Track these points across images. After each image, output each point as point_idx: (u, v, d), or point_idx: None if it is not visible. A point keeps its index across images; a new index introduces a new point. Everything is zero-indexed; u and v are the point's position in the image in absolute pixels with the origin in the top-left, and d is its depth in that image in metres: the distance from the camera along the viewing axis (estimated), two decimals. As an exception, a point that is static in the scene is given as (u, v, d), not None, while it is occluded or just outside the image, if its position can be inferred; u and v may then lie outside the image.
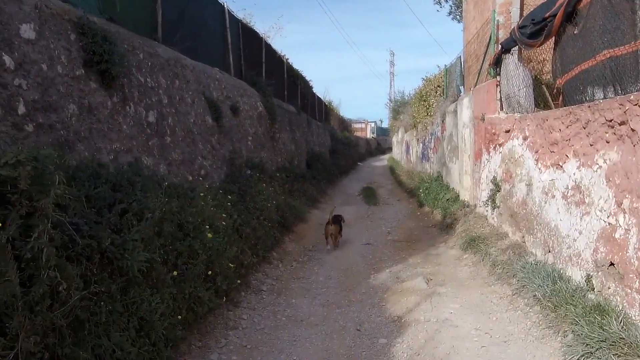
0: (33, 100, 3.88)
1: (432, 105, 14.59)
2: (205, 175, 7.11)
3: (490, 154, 7.82)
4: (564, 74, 5.48)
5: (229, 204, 6.10)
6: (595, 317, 3.49)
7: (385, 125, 56.70)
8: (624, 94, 3.84)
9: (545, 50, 7.22)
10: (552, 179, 5.15)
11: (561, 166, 4.93)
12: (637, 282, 3.43)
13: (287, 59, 17.28)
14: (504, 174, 7.02)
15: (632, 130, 3.57)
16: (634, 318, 3.41)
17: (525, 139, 6.18)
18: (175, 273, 3.86)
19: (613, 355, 3.14)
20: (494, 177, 7.53)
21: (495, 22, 8.39)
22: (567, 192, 4.75)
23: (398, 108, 31.24)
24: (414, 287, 5.71)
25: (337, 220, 8.02)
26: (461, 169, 10.12)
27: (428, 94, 15.15)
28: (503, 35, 8.26)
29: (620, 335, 3.22)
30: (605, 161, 4.04)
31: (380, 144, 52.54)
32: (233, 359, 4.04)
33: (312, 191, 12.92)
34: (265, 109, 11.60)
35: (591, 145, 4.32)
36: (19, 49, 3.82)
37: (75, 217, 3.06)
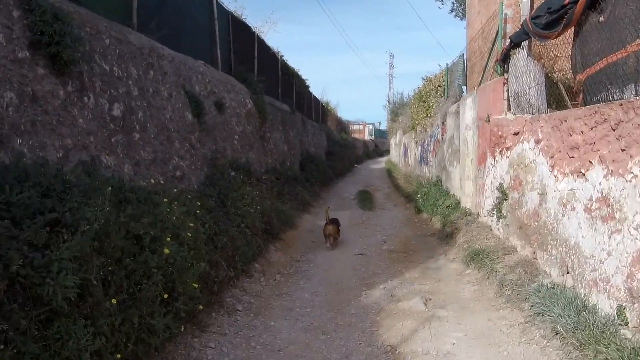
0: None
1: (432, 106, 13.91)
2: (181, 176, 6.41)
3: (496, 158, 7.14)
4: (586, 69, 4.80)
5: (200, 210, 5.39)
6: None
7: (383, 127, 56.13)
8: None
9: (558, 46, 6.55)
10: (572, 189, 4.47)
11: (583, 174, 4.26)
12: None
13: (281, 56, 16.61)
14: (512, 181, 6.34)
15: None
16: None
17: (537, 142, 5.50)
18: (115, 300, 3.15)
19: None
20: (500, 184, 6.85)
21: (503, 16, 7.72)
22: (591, 205, 4.07)
23: (396, 110, 30.65)
24: (410, 308, 5.02)
25: (335, 221, 8.41)
26: (463, 173, 9.44)
27: (428, 94, 14.46)
28: (511, 29, 7.58)
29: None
30: (642, 170, 3.36)
31: (378, 146, 51.89)
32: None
33: (304, 195, 12.22)
34: (255, 107, 10.90)
35: (623, 150, 3.64)
36: None
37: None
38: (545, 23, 5.33)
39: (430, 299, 5.24)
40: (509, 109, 7.14)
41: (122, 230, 3.59)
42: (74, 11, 4.78)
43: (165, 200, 4.39)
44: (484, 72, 8.85)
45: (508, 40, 7.01)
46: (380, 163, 33.74)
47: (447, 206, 9.77)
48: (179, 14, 8.26)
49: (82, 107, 4.68)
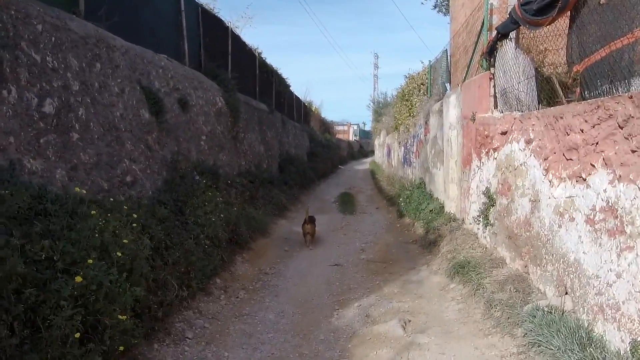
0: None
1: (415, 105, 13.33)
2: (132, 182, 5.71)
3: (482, 160, 6.56)
4: (584, 59, 4.22)
5: (150, 220, 4.71)
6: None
7: (368, 127, 55.58)
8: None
9: (549, 38, 6.00)
10: (570, 196, 3.88)
11: (584, 179, 3.67)
12: None
13: (259, 53, 15.90)
14: (500, 186, 5.75)
15: None
16: None
17: (528, 142, 4.92)
18: (9, 343, 2.46)
19: None
20: (486, 188, 6.27)
21: (489, 6, 7.16)
22: (594, 215, 3.48)
23: (380, 110, 30.09)
24: (387, 333, 4.39)
25: (312, 220, 8.61)
26: (446, 176, 8.86)
27: (411, 92, 13.89)
28: (498, 20, 7.00)
29: None
30: (661, 175, 2.77)
31: (363, 147, 51.37)
32: None
33: (280, 198, 11.55)
34: (227, 105, 10.20)
35: (634, 151, 3.06)
36: None
37: None
38: (537, 8, 4.75)
39: (409, 321, 4.62)
40: (495, 107, 6.57)
41: (28, 253, 2.90)
42: (-8, -10, 4.07)
43: (93, 212, 3.69)
44: (468, 67, 8.29)
45: (494, 32, 6.43)
46: (365, 164, 33.19)
47: (430, 210, 9.19)
48: (137, 2, 7.55)
49: (1, 102, 3.97)
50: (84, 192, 4.24)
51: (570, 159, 3.94)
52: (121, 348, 3.29)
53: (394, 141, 19.00)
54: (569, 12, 4.49)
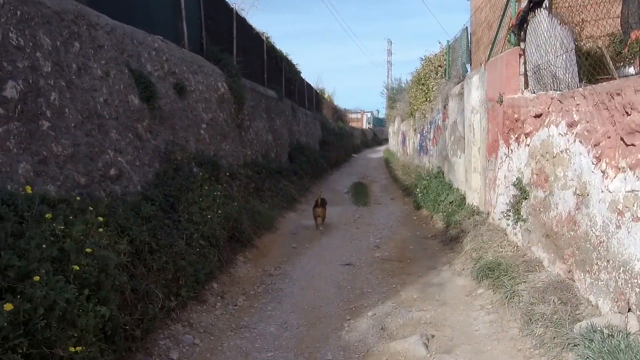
0: None
1: (432, 89, 12.51)
2: (117, 175, 5.09)
3: (511, 147, 5.82)
4: (646, 22, 3.47)
5: (131, 220, 4.09)
6: None
7: (382, 115, 54.56)
8: None
9: (587, 7, 5.26)
10: (633, 190, 3.15)
11: (653, 169, 2.94)
12: None
13: (267, 38, 15.19)
14: (535, 176, 5.02)
15: None
16: None
17: (571, 125, 4.18)
18: None
19: None
20: (517, 178, 5.53)
21: (518, -28, 6.35)
22: (670, 216, 2.76)
23: (394, 96, 29.20)
24: (407, 352, 3.72)
25: (324, 203, 8.64)
26: (468, 165, 8.11)
27: (427, 76, 13.05)
28: (528, -11, 6.22)
29: None
30: None
31: (376, 135, 50.43)
32: None
33: (290, 190, 10.91)
34: (231, 91, 9.53)
35: None
36: None
37: None
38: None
39: (432, 336, 3.94)
40: (526, 86, 5.82)
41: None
42: None
43: (48, 215, 3.06)
44: (492, 44, 7.49)
45: (526, 1, 5.66)
46: (379, 152, 32.37)
47: (450, 202, 8.46)
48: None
49: (-55, 85, 3.36)
50: (51, 189, 3.63)
51: (632, 145, 3.20)
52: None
53: (409, 128, 18.20)
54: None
